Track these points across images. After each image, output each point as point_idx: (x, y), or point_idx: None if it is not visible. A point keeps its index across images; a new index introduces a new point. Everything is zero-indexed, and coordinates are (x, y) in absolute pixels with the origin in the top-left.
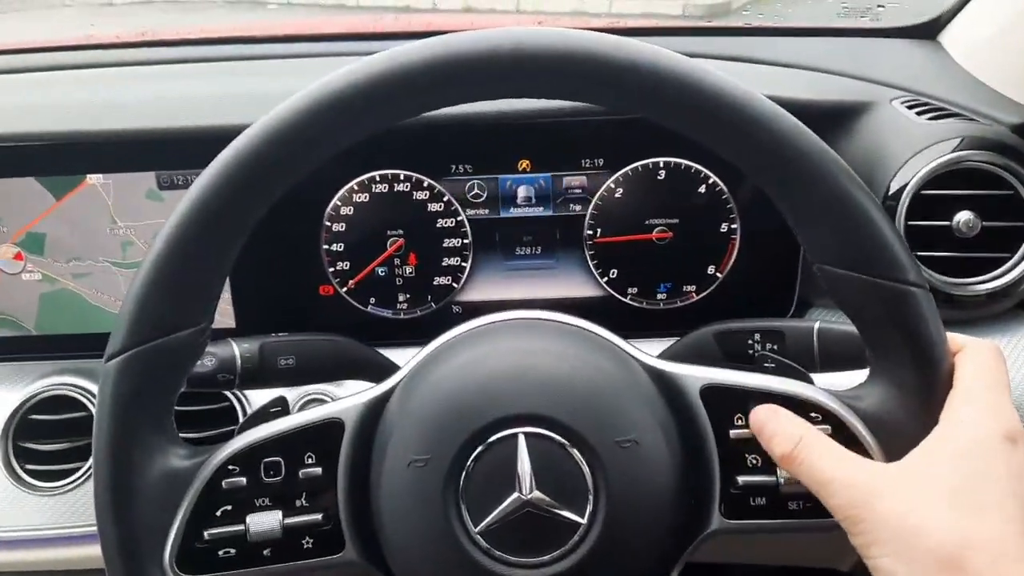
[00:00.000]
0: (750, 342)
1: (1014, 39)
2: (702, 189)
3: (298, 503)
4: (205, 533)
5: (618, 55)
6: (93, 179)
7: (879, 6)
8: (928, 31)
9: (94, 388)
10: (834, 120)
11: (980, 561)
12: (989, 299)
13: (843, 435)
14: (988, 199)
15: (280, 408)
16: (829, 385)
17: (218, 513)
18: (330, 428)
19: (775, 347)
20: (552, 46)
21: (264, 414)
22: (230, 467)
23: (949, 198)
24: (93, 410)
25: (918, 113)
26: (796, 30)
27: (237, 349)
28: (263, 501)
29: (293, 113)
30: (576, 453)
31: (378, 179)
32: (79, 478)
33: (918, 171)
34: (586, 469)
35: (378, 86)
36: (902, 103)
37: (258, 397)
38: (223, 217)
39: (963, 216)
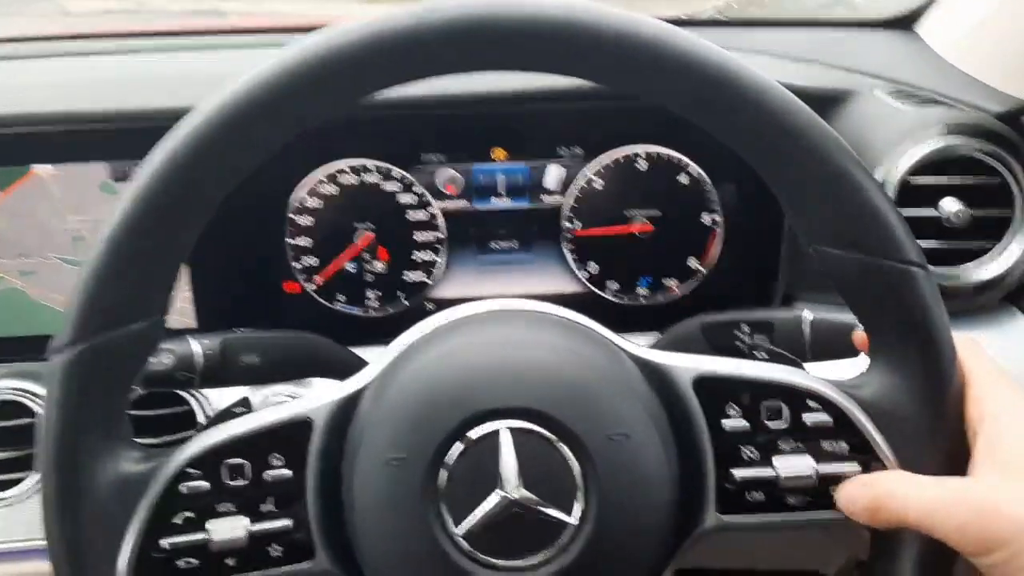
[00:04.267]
0: (738, 333)
1: (995, 27)
2: (683, 179)
3: (265, 508)
4: (163, 542)
5: (599, 23)
6: (40, 170)
7: None
8: (905, 21)
9: (43, 392)
10: (816, 108)
11: None
12: (977, 290)
13: (844, 427)
14: (976, 187)
15: (244, 409)
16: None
17: (177, 520)
18: (299, 427)
19: (765, 338)
20: (527, 14)
21: (227, 415)
22: (190, 470)
23: (936, 187)
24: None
25: (901, 101)
26: (771, 21)
27: (197, 346)
28: (226, 507)
29: (256, 83)
30: (564, 448)
31: (345, 169)
32: (27, 489)
33: (904, 159)
34: (575, 465)
35: (356, 51)
36: (884, 92)
37: (220, 399)
38: (177, 199)
39: (951, 205)
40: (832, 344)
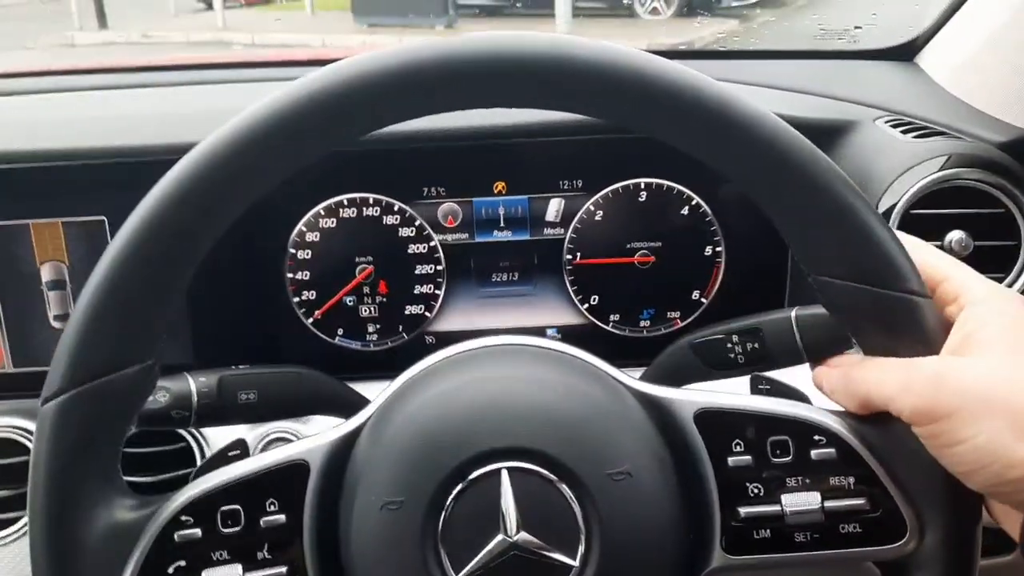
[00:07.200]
0: (729, 346)
1: (996, 58)
2: (685, 211)
3: (260, 555)
4: None
5: (599, 59)
6: None
7: (856, 28)
8: (905, 52)
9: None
10: (818, 139)
11: None
12: None
13: (851, 461)
14: (979, 218)
15: (239, 451)
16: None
17: (170, 570)
18: (294, 471)
19: (756, 345)
20: (537, 52)
21: (221, 458)
22: (183, 518)
23: (940, 217)
24: None
25: (903, 132)
26: (775, 53)
27: (193, 383)
28: (221, 554)
29: (256, 121)
30: (565, 489)
31: (346, 203)
32: (21, 528)
33: (907, 189)
34: (576, 506)
35: (354, 88)
36: (886, 122)
37: (217, 436)
38: (172, 241)
39: (955, 235)
40: (825, 340)
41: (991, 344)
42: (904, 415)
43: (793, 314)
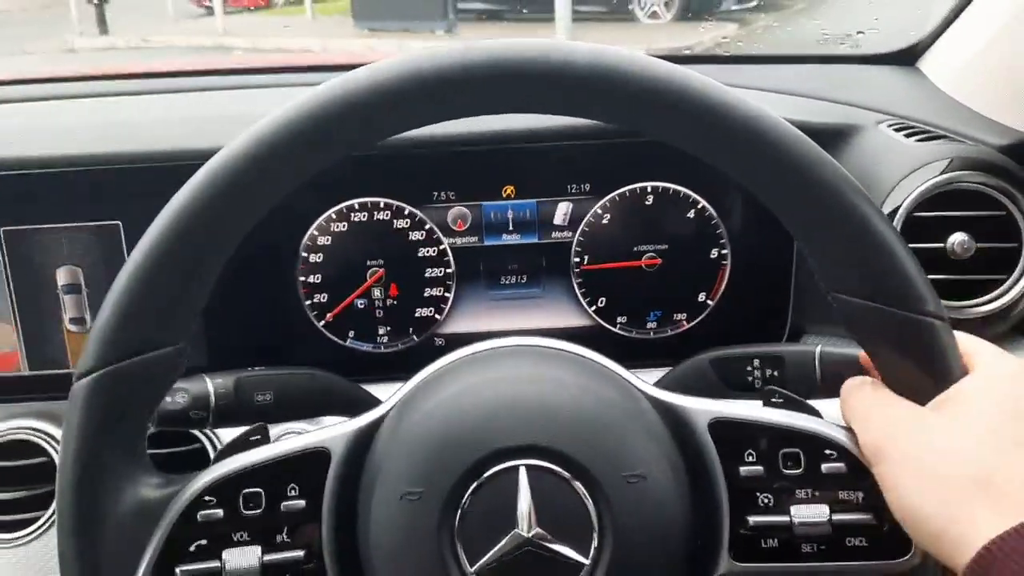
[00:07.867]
0: (749, 368)
1: (997, 62)
2: (691, 214)
3: (279, 538)
4: (177, 569)
5: (631, 70)
6: None
7: (858, 32)
8: (907, 57)
9: (55, 432)
10: (822, 143)
11: (1011, 485)
12: (984, 322)
13: (860, 476)
14: (981, 220)
15: (260, 436)
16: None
17: (192, 548)
18: (315, 458)
19: (775, 372)
20: (556, 59)
21: (243, 442)
22: (206, 498)
23: (942, 220)
24: (54, 456)
25: (906, 136)
26: (777, 57)
27: (211, 384)
28: (241, 535)
29: (293, 117)
30: (580, 488)
31: (357, 207)
32: (37, 529)
33: (910, 193)
34: (591, 505)
35: (388, 88)
36: (889, 126)
37: (231, 437)
38: (208, 227)
39: (957, 238)
40: (843, 379)
41: (967, 415)
42: (862, 450)
43: (818, 350)
